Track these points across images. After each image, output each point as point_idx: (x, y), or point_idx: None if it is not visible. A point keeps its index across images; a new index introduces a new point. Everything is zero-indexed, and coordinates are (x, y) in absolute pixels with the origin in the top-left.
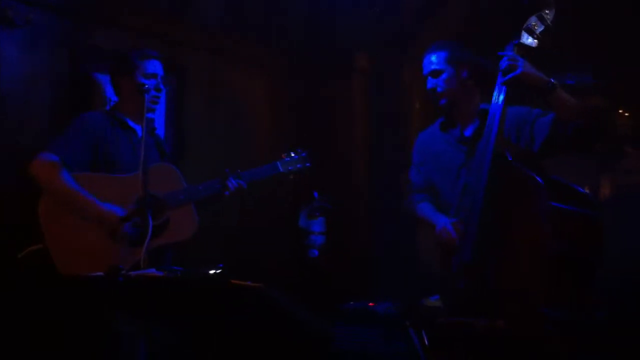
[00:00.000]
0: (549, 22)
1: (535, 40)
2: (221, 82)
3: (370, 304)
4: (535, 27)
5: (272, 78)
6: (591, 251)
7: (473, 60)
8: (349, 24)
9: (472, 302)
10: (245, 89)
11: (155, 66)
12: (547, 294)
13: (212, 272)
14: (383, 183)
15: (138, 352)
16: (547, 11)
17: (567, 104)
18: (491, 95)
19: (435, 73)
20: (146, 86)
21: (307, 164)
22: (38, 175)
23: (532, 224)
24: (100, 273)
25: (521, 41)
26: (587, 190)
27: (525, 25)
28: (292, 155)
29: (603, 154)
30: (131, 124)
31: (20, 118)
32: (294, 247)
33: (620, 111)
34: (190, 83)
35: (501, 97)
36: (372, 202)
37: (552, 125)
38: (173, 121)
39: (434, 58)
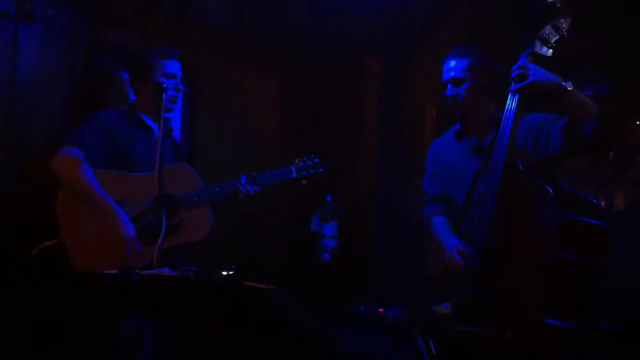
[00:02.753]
0: (564, 31)
1: (550, 50)
2: (230, 84)
3: (380, 309)
4: (550, 36)
5: (281, 80)
6: (596, 261)
7: (493, 69)
8: (359, 27)
9: (479, 310)
10: (254, 91)
11: (175, 66)
12: (550, 302)
13: (225, 273)
14: (390, 187)
15: (145, 350)
16: (562, 20)
17: (581, 104)
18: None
19: (457, 81)
20: (164, 85)
21: (321, 170)
22: (60, 170)
23: (539, 232)
24: (114, 271)
25: (535, 50)
26: (601, 202)
27: (539, 33)
28: (306, 160)
29: (615, 165)
30: (149, 123)
31: (36, 112)
32: (302, 249)
33: (637, 122)
34: (200, 84)
35: (513, 105)
36: (379, 205)
37: (568, 128)
38: (183, 123)
39: (455, 64)
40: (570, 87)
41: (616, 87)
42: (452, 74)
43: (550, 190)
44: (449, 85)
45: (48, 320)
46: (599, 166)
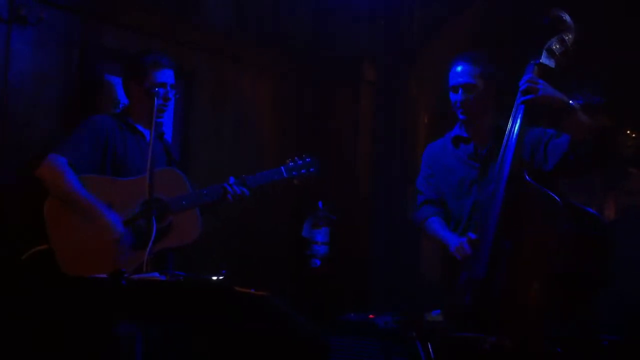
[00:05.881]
0: (568, 44)
1: (555, 62)
2: (227, 86)
3: (371, 315)
4: (556, 49)
5: (278, 83)
6: (598, 272)
7: (500, 78)
8: (357, 33)
9: (478, 318)
10: (251, 93)
11: (166, 75)
12: (552, 312)
13: (214, 278)
14: (386, 192)
15: (136, 355)
16: (568, 34)
17: (584, 125)
18: (505, 111)
19: (469, 87)
20: (156, 89)
21: (312, 170)
22: (45, 178)
23: (545, 243)
24: (104, 275)
25: (542, 61)
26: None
27: (546, 45)
28: (297, 160)
29: (607, 175)
30: (140, 128)
31: (28, 116)
32: (295, 255)
33: (628, 132)
34: (197, 86)
35: (519, 117)
36: (374, 211)
37: (566, 147)
38: (180, 124)
39: (468, 69)
40: (577, 107)
41: (612, 96)
42: (465, 79)
43: (559, 201)
44: (461, 90)
45: (36, 326)
46: (592, 176)
